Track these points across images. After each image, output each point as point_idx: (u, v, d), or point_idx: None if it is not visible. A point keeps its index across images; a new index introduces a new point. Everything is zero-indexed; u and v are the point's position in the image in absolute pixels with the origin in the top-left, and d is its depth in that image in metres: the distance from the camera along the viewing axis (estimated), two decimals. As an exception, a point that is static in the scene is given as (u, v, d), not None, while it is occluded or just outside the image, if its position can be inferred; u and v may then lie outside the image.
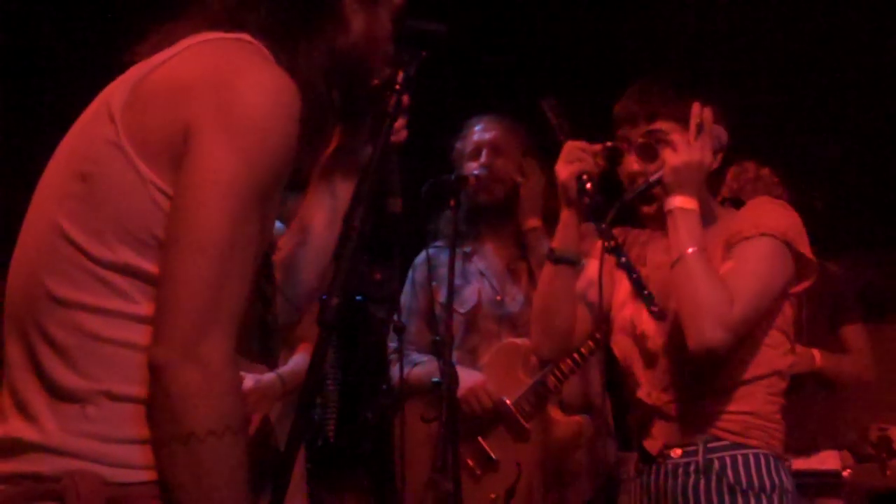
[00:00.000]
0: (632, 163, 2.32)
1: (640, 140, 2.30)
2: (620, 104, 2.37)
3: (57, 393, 1.39)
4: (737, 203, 2.58)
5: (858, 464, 3.58)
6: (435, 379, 3.07)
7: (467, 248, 3.54)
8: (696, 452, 2.23)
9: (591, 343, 3.14)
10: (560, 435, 3.28)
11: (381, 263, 1.49)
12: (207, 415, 1.32)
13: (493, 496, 3.28)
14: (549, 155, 3.55)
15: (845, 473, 3.52)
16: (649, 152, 2.30)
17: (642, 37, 4.90)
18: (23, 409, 1.41)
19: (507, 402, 3.30)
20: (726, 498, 2.19)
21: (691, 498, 2.22)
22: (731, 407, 2.24)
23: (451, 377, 2.95)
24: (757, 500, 2.19)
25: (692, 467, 2.23)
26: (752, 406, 2.25)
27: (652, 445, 2.29)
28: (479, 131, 3.53)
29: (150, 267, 1.39)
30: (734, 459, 2.22)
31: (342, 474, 4.19)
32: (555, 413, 3.31)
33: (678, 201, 2.22)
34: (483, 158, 3.47)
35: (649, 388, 2.31)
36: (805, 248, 2.25)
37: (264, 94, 1.38)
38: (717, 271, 2.20)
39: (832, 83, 4.39)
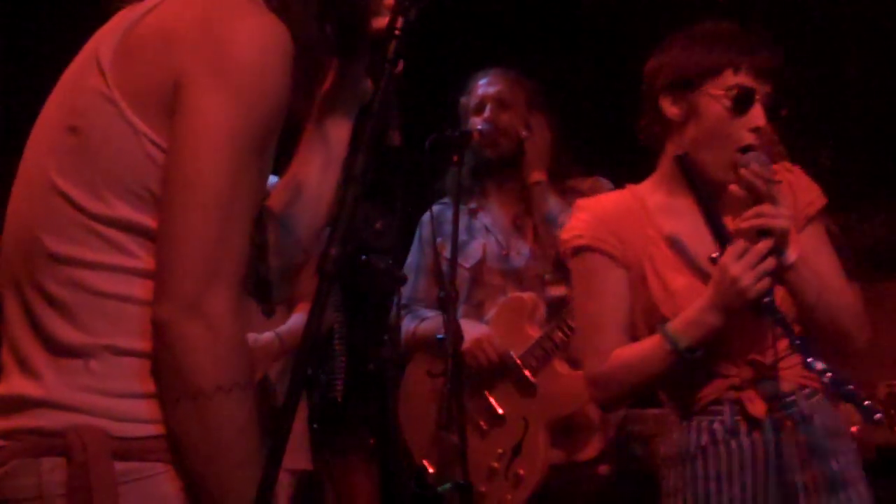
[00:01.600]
0: (758, 116, 2.20)
1: (769, 94, 2.22)
2: (752, 47, 2.22)
3: (58, 349, 1.38)
4: None
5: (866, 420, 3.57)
6: (439, 335, 3.06)
7: (473, 205, 3.53)
8: (794, 404, 2.21)
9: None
10: (568, 390, 3.27)
11: (383, 211, 1.47)
12: (214, 371, 1.32)
13: (500, 451, 3.28)
14: (554, 108, 3.55)
15: (853, 430, 3.51)
16: (776, 110, 2.23)
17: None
18: (24, 366, 1.40)
19: (514, 356, 3.29)
20: (829, 441, 2.21)
21: (800, 448, 2.20)
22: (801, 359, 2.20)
23: (454, 332, 2.94)
24: (847, 441, 2.25)
25: (796, 417, 2.21)
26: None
27: (755, 408, 2.22)
28: (484, 85, 3.51)
29: (147, 221, 1.37)
30: (823, 406, 2.24)
31: (347, 434, 4.20)
32: (562, 368, 3.29)
33: (795, 252, 2.15)
34: (487, 113, 3.44)
35: (749, 348, 2.24)
36: None
37: (254, 40, 1.37)
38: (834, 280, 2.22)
39: (836, 36, 4.33)
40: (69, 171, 1.40)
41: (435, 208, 3.41)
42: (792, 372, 2.23)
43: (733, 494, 2.20)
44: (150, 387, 1.37)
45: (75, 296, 1.38)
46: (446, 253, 3.34)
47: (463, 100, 3.56)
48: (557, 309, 3.30)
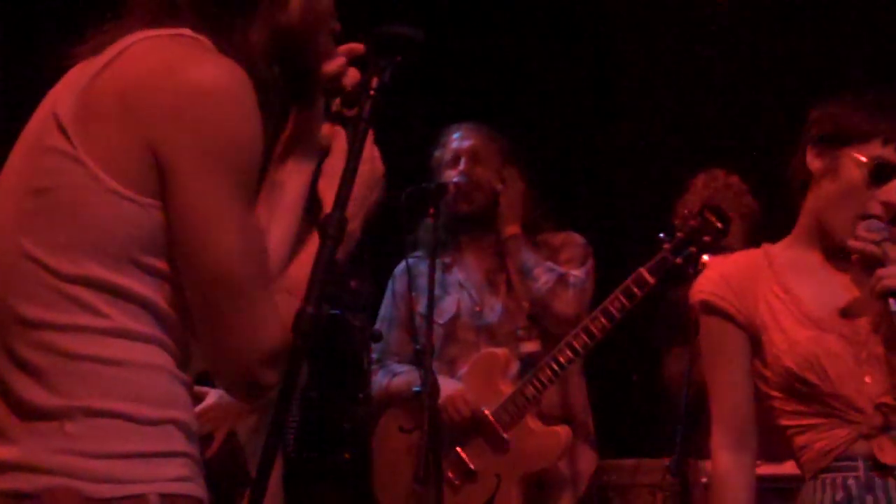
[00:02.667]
0: (892, 191, 2.19)
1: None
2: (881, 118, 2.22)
3: (32, 414, 1.37)
4: None
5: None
6: (416, 388, 3.05)
7: (447, 259, 3.53)
8: None
9: (569, 353, 3.13)
10: (540, 445, 3.26)
11: (356, 271, 1.47)
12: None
13: (471, 507, 3.27)
14: (526, 163, 3.58)
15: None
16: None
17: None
18: None
19: (486, 412, 3.28)
20: None
21: None
22: None
23: (432, 386, 2.94)
24: None
25: None
26: None
27: (886, 455, 2.17)
28: (458, 139, 3.53)
29: (115, 278, 1.38)
30: None
31: (317, 488, 4.16)
32: (534, 423, 3.29)
33: None
34: (462, 166, 3.46)
35: (878, 396, 2.20)
36: None
37: (218, 95, 1.38)
38: None
39: (805, 94, 4.38)
40: (37, 232, 1.39)
41: (409, 261, 3.42)
42: None
43: None
44: (127, 447, 1.36)
45: (47, 359, 1.37)
46: (420, 307, 3.34)
47: (436, 154, 3.57)
48: (530, 364, 3.30)
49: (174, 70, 1.39)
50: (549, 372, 3.18)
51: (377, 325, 3.46)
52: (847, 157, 2.23)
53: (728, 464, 2.29)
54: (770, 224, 2.33)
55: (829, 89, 2.38)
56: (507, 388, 3.30)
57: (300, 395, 3.80)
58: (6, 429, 1.38)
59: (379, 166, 1.62)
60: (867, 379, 2.18)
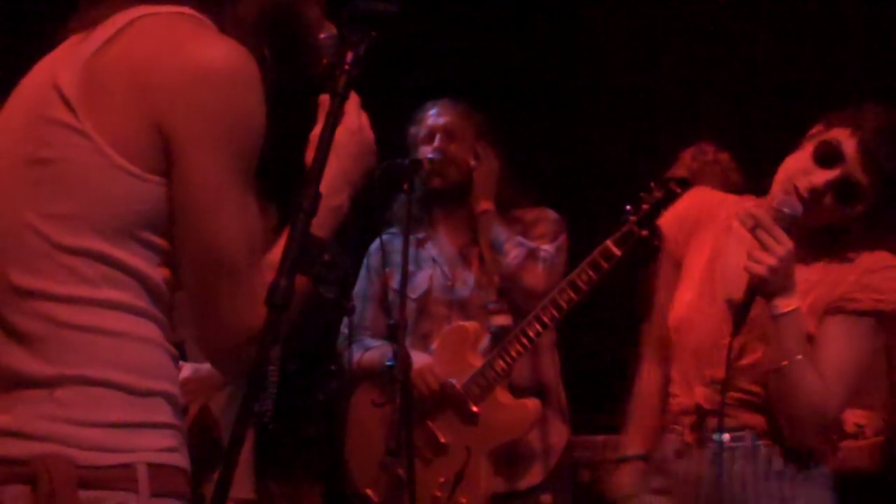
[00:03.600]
0: (817, 177, 2.23)
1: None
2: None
3: (22, 383, 1.38)
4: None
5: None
6: (388, 362, 3.07)
7: (420, 235, 3.55)
8: (743, 438, 2.30)
9: (537, 326, 3.15)
10: (510, 418, 3.29)
11: (331, 244, 1.49)
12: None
13: (442, 480, 3.29)
14: (501, 140, 3.59)
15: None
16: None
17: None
18: None
19: (456, 384, 3.31)
20: (773, 482, 2.28)
21: (742, 481, 2.29)
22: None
23: (404, 360, 2.95)
24: (794, 484, 2.29)
25: (738, 452, 2.29)
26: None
27: (707, 429, 2.32)
28: (434, 116, 3.54)
29: (115, 252, 1.39)
30: (773, 450, 2.29)
31: (290, 461, 4.18)
32: (504, 397, 3.31)
33: (784, 306, 2.18)
34: (437, 142, 3.47)
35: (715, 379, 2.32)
36: None
37: (228, 76, 1.39)
38: (819, 374, 2.20)
39: (798, 72, 4.40)
40: (39, 202, 1.40)
41: (384, 237, 3.43)
42: (755, 411, 2.30)
43: None
44: (118, 416, 1.38)
45: (42, 328, 1.38)
46: (394, 283, 3.36)
47: (412, 130, 3.58)
48: (501, 338, 3.32)
49: (183, 49, 1.40)
50: (518, 345, 3.20)
51: (352, 301, 3.48)
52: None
53: (652, 375, 2.51)
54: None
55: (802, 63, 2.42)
56: (476, 362, 3.32)
57: (280, 369, 3.82)
58: None
59: (368, 135, 1.63)
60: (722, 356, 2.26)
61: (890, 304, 2.23)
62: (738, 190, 3.52)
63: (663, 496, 2.40)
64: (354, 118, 1.60)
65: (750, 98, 4.47)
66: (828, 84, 4.08)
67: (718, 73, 4.53)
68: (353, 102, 1.58)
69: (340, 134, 1.48)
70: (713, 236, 2.41)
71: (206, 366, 3.26)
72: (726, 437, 2.30)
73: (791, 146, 2.32)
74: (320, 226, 1.44)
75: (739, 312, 2.21)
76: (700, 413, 2.31)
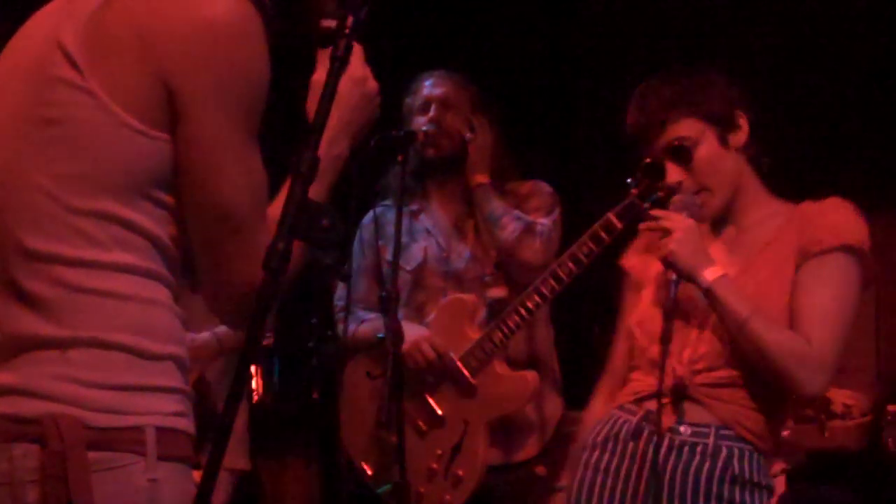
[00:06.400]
0: (673, 173, 2.34)
1: (668, 150, 2.33)
2: (631, 119, 2.38)
3: (34, 344, 1.37)
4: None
5: (797, 424, 3.63)
6: (380, 335, 3.06)
7: (414, 206, 3.53)
8: (707, 435, 2.28)
9: (537, 298, 3.14)
10: (507, 390, 3.29)
11: (330, 208, 1.47)
12: None
13: (439, 452, 3.29)
14: (497, 112, 3.57)
15: (785, 433, 3.57)
16: (683, 156, 2.31)
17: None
18: None
19: (454, 356, 3.30)
20: (726, 486, 2.25)
21: (695, 478, 2.27)
22: (756, 406, 2.29)
23: (395, 332, 2.95)
24: (753, 495, 2.27)
25: (699, 448, 2.27)
26: (776, 413, 2.32)
27: (667, 418, 2.30)
28: (429, 87, 3.52)
29: (125, 212, 1.38)
30: (741, 452, 2.28)
31: (284, 431, 4.18)
32: (502, 369, 3.30)
33: (707, 276, 2.21)
34: (432, 113, 3.45)
35: (681, 364, 2.32)
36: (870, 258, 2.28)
37: (233, 30, 1.38)
38: (779, 324, 2.22)
39: (798, 72, 4.38)
40: (47, 164, 1.39)
41: (377, 210, 3.41)
42: (723, 408, 2.29)
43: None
44: (129, 379, 1.38)
45: (53, 291, 1.38)
46: (387, 255, 3.34)
47: (407, 100, 3.56)
48: (497, 310, 3.32)
49: (189, 4, 1.39)
50: (516, 317, 3.19)
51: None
52: None
53: (600, 410, 2.50)
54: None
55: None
56: (474, 334, 3.31)
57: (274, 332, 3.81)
58: (5, 358, 1.38)
59: (371, 86, 1.61)
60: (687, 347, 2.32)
61: (852, 234, 2.25)
62: None
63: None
64: (359, 67, 1.59)
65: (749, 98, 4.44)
66: (828, 84, 4.07)
67: (720, 40, 4.51)
68: (357, 53, 1.56)
69: (343, 83, 1.46)
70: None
71: (202, 335, 3.26)
72: (685, 429, 2.29)
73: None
74: (319, 175, 1.43)
75: (668, 298, 2.25)
76: (659, 400, 2.28)
